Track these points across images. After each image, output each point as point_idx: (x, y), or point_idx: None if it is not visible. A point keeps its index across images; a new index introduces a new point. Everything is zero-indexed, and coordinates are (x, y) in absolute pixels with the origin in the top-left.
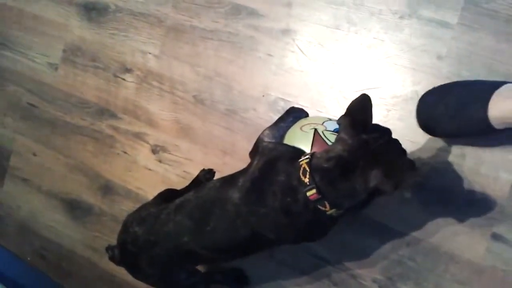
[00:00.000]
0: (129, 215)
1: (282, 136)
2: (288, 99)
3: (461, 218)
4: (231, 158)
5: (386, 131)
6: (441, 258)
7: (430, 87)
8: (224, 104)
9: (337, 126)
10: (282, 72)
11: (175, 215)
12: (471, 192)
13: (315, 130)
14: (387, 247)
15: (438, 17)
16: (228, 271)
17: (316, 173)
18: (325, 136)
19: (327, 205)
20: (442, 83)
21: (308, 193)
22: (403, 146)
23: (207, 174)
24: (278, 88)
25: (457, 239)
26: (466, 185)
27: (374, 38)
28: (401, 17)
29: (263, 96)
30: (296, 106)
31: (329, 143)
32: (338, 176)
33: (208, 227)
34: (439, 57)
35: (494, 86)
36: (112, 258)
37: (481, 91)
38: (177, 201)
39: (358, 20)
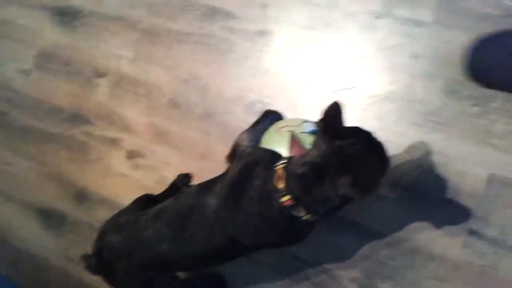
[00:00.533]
0: (106, 222)
1: (259, 139)
2: (265, 100)
3: (437, 216)
4: (209, 162)
5: (366, 135)
6: (419, 256)
7: (407, 87)
8: (200, 107)
9: (314, 128)
10: (258, 74)
11: (154, 222)
12: (447, 190)
13: (292, 132)
14: (364, 246)
15: (413, 16)
16: (207, 276)
17: (291, 178)
18: (301, 139)
19: (302, 211)
20: (418, 82)
21: (283, 199)
22: None
23: (184, 178)
24: (255, 90)
25: (434, 236)
26: (441, 183)
27: (349, 38)
28: (377, 17)
29: (240, 98)
30: (273, 108)
31: (306, 145)
32: (311, 182)
33: (186, 234)
34: (415, 56)
35: None
36: (88, 267)
37: None
38: (156, 207)
39: (334, 20)
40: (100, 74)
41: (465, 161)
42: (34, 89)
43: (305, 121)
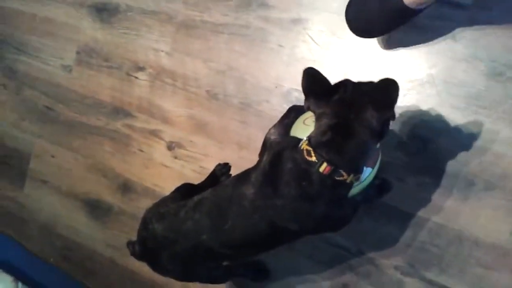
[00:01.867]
0: (148, 211)
1: (288, 133)
2: (301, 89)
3: (482, 201)
4: (247, 152)
5: (346, 80)
6: (464, 243)
7: (446, 70)
8: (237, 97)
9: None
10: (294, 62)
11: (194, 213)
12: (491, 174)
13: None
14: (408, 234)
15: None
16: (249, 264)
17: (319, 148)
18: None
19: (344, 173)
20: (458, 64)
21: (321, 169)
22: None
23: (223, 168)
24: (290, 79)
25: (480, 223)
26: (487, 168)
27: None
28: None
29: (276, 87)
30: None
31: None
32: (341, 141)
33: (226, 225)
34: (454, 39)
35: None
36: (133, 254)
37: None
38: (195, 198)
39: None
40: (139, 68)
41: (510, 145)
42: (76, 84)
43: None
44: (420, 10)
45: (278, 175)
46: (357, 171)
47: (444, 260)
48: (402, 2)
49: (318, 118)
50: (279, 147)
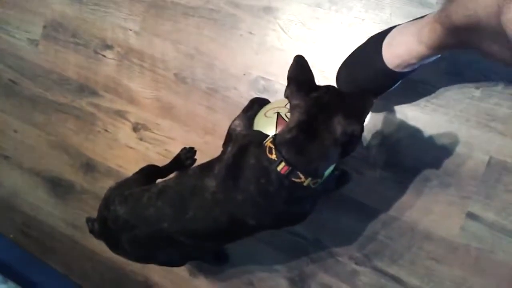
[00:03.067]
0: (111, 190)
1: (251, 125)
2: (269, 77)
3: (436, 197)
4: (212, 137)
5: (331, 86)
6: (417, 236)
7: None
8: (205, 82)
9: None
10: (263, 50)
11: (157, 200)
12: (447, 171)
13: (278, 113)
14: (363, 225)
15: None
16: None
17: (282, 146)
18: (287, 117)
19: (301, 175)
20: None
21: (278, 168)
22: (387, 121)
23: (188, 152)
24: (259, 66)
25: (432, 217)
26: (441, 164)
27: (354, 17)
28: None
29: (244, 74)
30: (277, 85)
31: None
32: (304, 141)
33: (187, 215)
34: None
35: (382, 36)
36: (91, 231)
37: (372, 47)
38: (159, 185)
39: None
40: (107, 46)
41: (466, 144)
42: (42, 59)
43: None
44: (408, 73)
45: (240, 169)
46: (315, 176)
47: (397, 252)
48: (387, 67)
49: (292, 110)
50: (244, 141)
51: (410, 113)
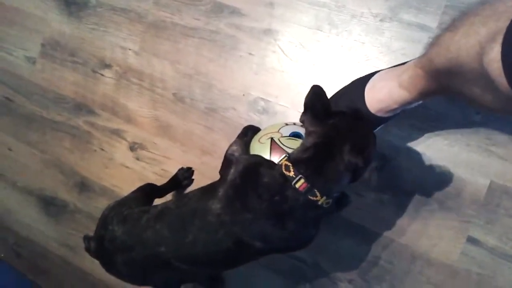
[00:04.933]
0: (110, 209)
1: (248, 150)
2: (268, 98)
3: (437, 221)
4: (210, 157)
5: (347, 111)
6: (417, 261)
7: None
8: (204, 102)
9: (292, 130)
10: (263, 71)
11: (155, 223)
12: (447, 195)
13: (272, 139)
14: (363, 248)
15: (419, 21)
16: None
17: (299, 165)
18: (281, 143)
19: (318, 194)
20: None
21: (297, 185)
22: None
23: (185, 172)
24: (258, 87)
25: (432, 241)
26: (442, 188)
27: (354, 40)
28: (382, 20)
29: (244, 95)
30: (276, 107)
31: (286, 148)
32: (321, 162)
33: (187, 238)
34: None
35: (365, 80)
36: (87, 249)
37: (355, 91)
38: (159, 207)
39: (340, 22)
40: (105, 65)
41: (467, 168)
42: (40, 77)
43: (283, 126)
44: (389, 118)
45: (250, 189)
46: (329, 195)
47: (396, 276)
48: (369, 111)
49: (307, 136)
50: (250, 162)
51: (411, 137)
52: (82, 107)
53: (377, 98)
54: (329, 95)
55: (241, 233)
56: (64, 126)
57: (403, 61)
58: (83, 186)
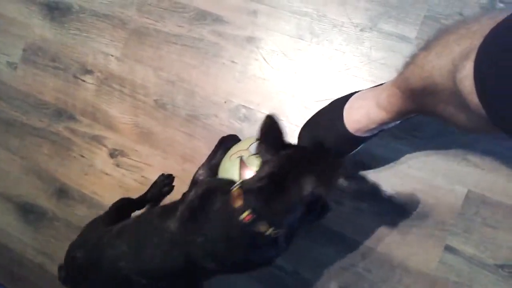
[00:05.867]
0: (76, 239)
1: (215, 174)
2: (250, 106)
3: (415, 230)
4: (191, 164)
5: (303, 146)
6: (395, 269)
7: None
8: (185, 109)
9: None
10: (245, 79)
11: (115, 240)
12: (425, 204)
13: (241, 158)
14: (342, 256)
15: (398, 31)
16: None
17: (249, 194)
18: (249, 162)
19: (265, 225)
20: None
21: (242, 216)
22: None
23: (166, 179)
24: (240, 95)
25: (411, 250)
26: (421, 197)
27: (335, 49)
28: (362, 30)
29: (225, 102)
30: (257, 114)
31: (253, 167)
32: (273, 193)
33: (145, 254)
34: (398, 71)
35: (343, 100)
36: (59, 278)
37: (334, 111)
38: (119, 225)
39: (321, 31)
40: (87, 71)
41: (445, 177)
42: (20, 83)
43: (253, 142)
44: (368, 137)
45: (204, 213)
46: (279, 227)
47: (375, 285)
48: (348, 131)
49: (262, 165)
50: (210, 185)
51: (390, 145)
52: (62, 113)
53: (355, 118)
54: (310, 104)
55: (193, 253)
56: (44, 132)
57: (383, 71)
58: (62, 193)
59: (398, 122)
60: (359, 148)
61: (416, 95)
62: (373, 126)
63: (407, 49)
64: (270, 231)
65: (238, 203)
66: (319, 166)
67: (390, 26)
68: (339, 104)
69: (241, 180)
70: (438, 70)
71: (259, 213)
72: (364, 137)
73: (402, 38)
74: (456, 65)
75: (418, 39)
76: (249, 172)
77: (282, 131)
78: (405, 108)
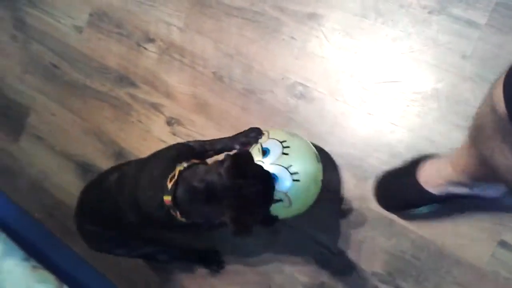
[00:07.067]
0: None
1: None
2: (307, 84)
3: (470, 222)
4: None
5: (265, 177)
6: (445, 259)
7: (453, 87)
8: (242, 83)
9: (266, 146)
10: (303, 56)
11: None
12: (483, 198)
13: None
14: (391, 242)
15: (467, 16)
16: (202, 252)
17: (182, 184)
18: (252, 151)
19: (178, 214)
20: (464, 83)
21: (165, 197)
22: (420, 144)
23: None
24: (298, 72)
25: (463, 242)
26: (478, 191)
27: (400, 31)
28: (430, 12)
29: (282, 79)
30: (314, 91)
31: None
32: (201, 198)
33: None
34: (464, 56)
35: (418, 161)
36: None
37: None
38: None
39: (386, 11)
40: (149, 40)
41: None
42: (85, 46)
43: (268, 139)
44: (438, 197)
45: (146, 172)
46: (189, 219)
47: (422, 273)
48: (417, 181)
49: (213, 173)
50: (171, 149)
51: (450, 133)
52: (123, 79)
53: (426, 170)
54: (369, 85)
55: (123, 205)
56: (105, 96)
57: (448, 55)
58: (120, 155)
59: (474, 191)
60: (432, 207)
61: (473, 146)
62: (441, 181)
63: (475, 35)
64: (181, 218)
65: (169, 183)
66: (248, 210)
67: (459, 10)
68: (414, 162)
69: (191, 162)
70: (483, 112)
71: (179, 204)
72: (434, 194)
73: (471, 23)
74: (491, 93)
75: (488, 25)
76: None
77: (251, 168)
78: (470, 167)
